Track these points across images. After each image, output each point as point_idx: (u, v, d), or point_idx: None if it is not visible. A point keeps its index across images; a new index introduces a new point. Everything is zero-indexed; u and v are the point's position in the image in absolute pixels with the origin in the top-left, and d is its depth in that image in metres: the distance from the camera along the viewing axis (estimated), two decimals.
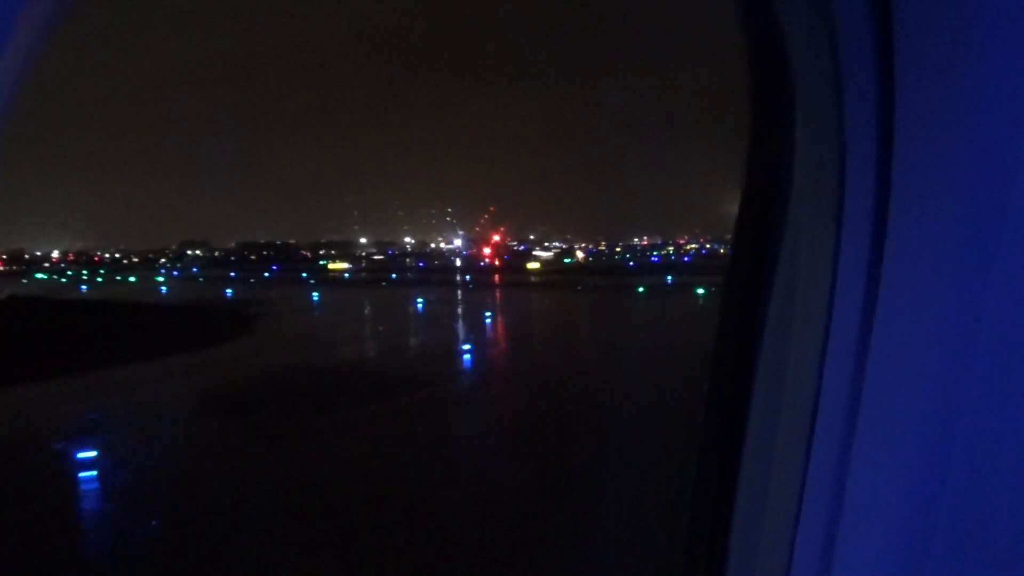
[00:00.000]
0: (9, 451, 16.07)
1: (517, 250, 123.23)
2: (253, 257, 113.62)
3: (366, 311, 46.77)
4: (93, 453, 16.24)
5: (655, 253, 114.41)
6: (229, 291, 62.00)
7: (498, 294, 57.41)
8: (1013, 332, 1.06)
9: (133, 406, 21.65)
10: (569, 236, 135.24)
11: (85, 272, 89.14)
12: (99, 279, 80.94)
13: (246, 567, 10.87)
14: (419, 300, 52.70)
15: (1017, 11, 1.01)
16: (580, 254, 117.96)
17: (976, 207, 1.07)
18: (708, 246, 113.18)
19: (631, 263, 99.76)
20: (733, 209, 1.59)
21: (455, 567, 11.08)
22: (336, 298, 57.36)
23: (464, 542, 11.75)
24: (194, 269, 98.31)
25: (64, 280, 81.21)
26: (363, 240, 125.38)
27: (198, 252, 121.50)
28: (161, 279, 78.26)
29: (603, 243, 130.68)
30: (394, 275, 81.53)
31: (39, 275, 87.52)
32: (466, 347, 31.36)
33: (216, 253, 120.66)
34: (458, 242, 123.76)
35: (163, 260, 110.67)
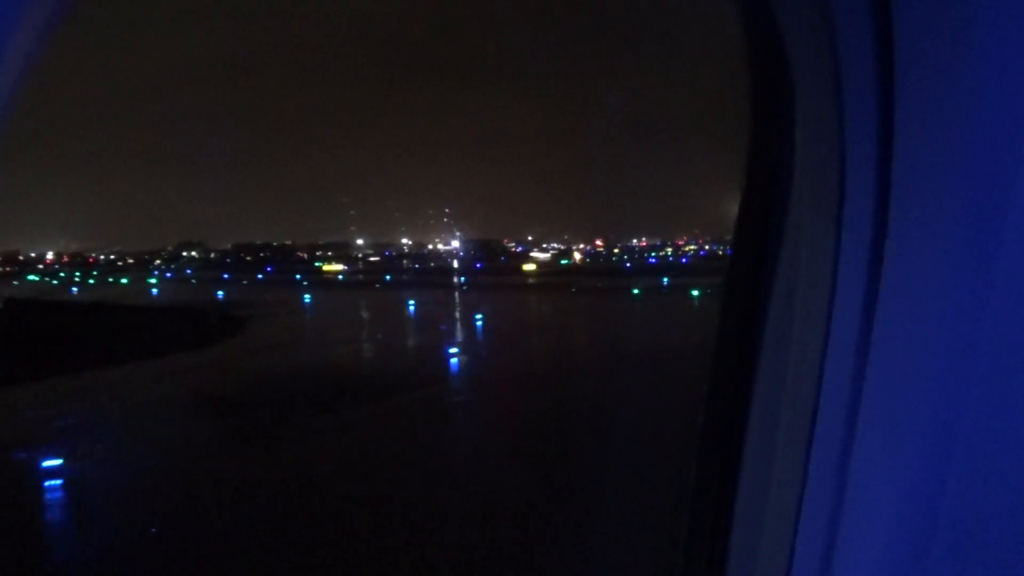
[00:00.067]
0: None
1: (515, 251, 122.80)
2: (249, 258, 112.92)
3: (354, 314, 46.41)
4: (58, 461, 15.76)
5: (653, 254, 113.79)
6: (220, 293, 61.49)
7: (490, 296, 56.90)
8: (1013, 332, 1.05)
9: (103, 411, 21.18)
10: (567, 237, 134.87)
11: (79, 274, 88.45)
12: (91, 280, 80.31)
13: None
14: (410, 302, 52.30)
15: (1017, 11, 1.01)
16: (578, 255, 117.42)
17: (976, 207, 1.06)
18: (707, 247, 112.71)
19: (628, 264, 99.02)
20: (733, 210, 1.60)
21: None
22: (326, 301, 57.05)
23: (447, 551, 11.40)
24: (188, 271, 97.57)
25: (55, 282, 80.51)
26: (360, 241, 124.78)
27: (194, 253, 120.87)
28: (153, 281, 77.52)
29: (602, 244, 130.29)
30: (388, 277, 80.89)
31: (31, 277, 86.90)
32: (452, 351, 30.86)
33: (212, 254, 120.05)
34: (456, 243, 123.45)
35: (158, 261, 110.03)
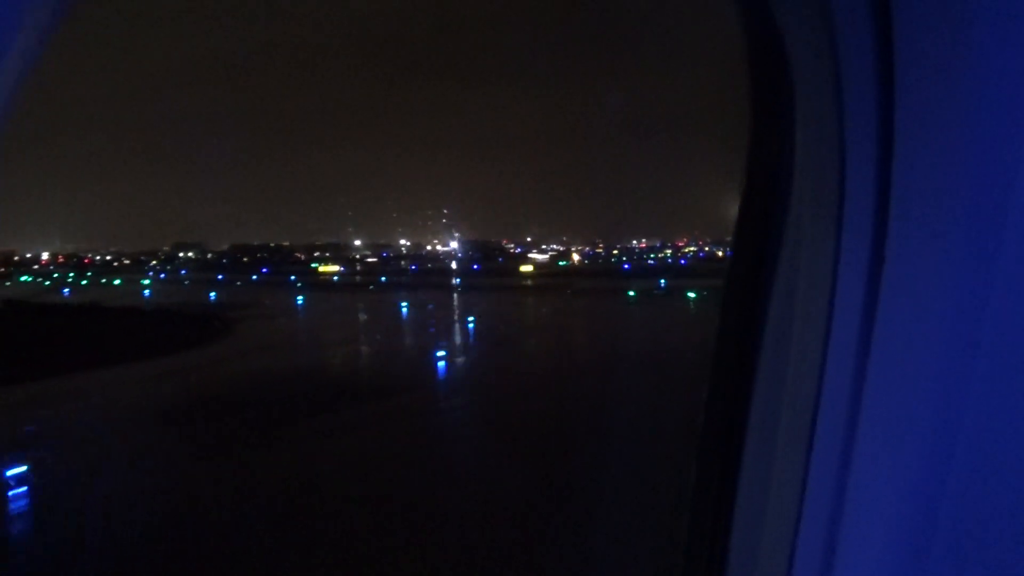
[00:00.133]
0: None
1: (514, 252, 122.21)
2: (246, 259, 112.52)
3: (343, 317, 45.85)
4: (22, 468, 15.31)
5: (652, 256, 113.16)
6: (212, 295, 60.96)
7: (483, 299, 56.36)
8: (1014, 332, 1.06)
9: (65, 419, 20.56)
10: (565, 238, 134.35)
11: (72, 274, 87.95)
12: (84, 282, 79.74)
13: None
14: (400, 304, 51.83)
15: (1017, 11, 1.01)
16: (576, 256, 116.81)
17: (976, 207, 1.07)
18: (707, 248, 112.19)
19: (626, 266, 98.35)
20: (733, 210, 1.59)
21: None
22: (317, 303, 56.49)
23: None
24: (182, 272, 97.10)
25: (47, 283, 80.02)
26: (358, 242, 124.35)
27: (191, 254, 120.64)
28: (146, 282, 76.98)
29: (601, 245, 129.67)
30: (383, 278, 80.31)
31: (24, 278, 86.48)
32: (438, 354, 30.26)
33: (209, 255, 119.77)
34: (454, 244, 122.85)
35: (154, 262, 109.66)
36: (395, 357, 31.04)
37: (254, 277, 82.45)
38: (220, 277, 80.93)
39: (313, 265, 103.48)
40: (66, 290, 70.57)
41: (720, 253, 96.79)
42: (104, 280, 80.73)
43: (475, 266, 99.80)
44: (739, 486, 1.53)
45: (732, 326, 1.59)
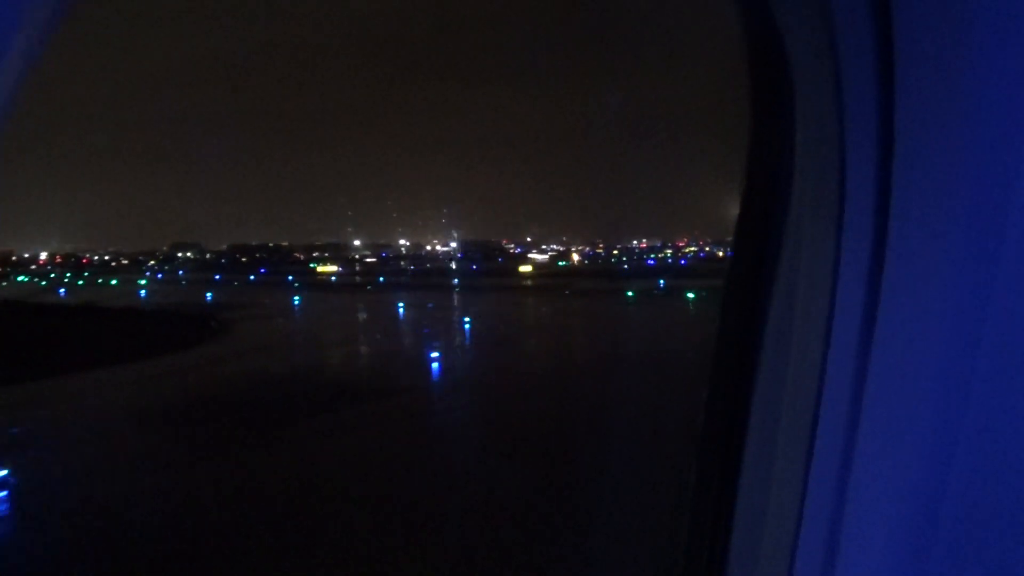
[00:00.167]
0: None
1: (514, 252, 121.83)
2: (244, 260, 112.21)
3: (338, 318, 45.59)
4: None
5: (652, 256, 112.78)
6: (207, 295, 60.62)
7: (480, 299, 56.07)
8: (1015, 333, 1.06)
9: (50, 421, 20.21)
10: (565, 238, 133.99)
11: (69, 274, 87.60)
12: (80, 282, 79.38)
13: None
14: (395, 305, 51.50)
15: (1018, 10, 1.01)
16: (576, 257, 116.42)
17: (978, 208, 1.07)
18: (707, 249, 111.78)
19: (626, 266, 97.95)
20: (733, 211, 1.59)
21: None
22: (313, 304, 56.19)
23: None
24: (180, 272, 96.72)
25: (44, 283, 79.66)
26: (357, 242, 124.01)
27: (189, 254, 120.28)
28: (143, 282, 76.60)
29: (601, 245, 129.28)
30: (381, 279, 79.94)
31: (21, 278, 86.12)
32: (432, 355, 29.95)
33: (208, 255, 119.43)
34: (454, 244, 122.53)
35: (152, 262, 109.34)
36: (384, 358, 30.71)
37: (251, 277, 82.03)
38: (217, 277, 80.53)
39: (312, 265, 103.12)
40: (62, 290, 70.24)
41: (720, 253, 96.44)
42: (101, 280, 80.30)
43: (474, 266, 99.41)
44: (739, 487, 1.53)
45: (732, 326, 1.58)
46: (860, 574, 1.24)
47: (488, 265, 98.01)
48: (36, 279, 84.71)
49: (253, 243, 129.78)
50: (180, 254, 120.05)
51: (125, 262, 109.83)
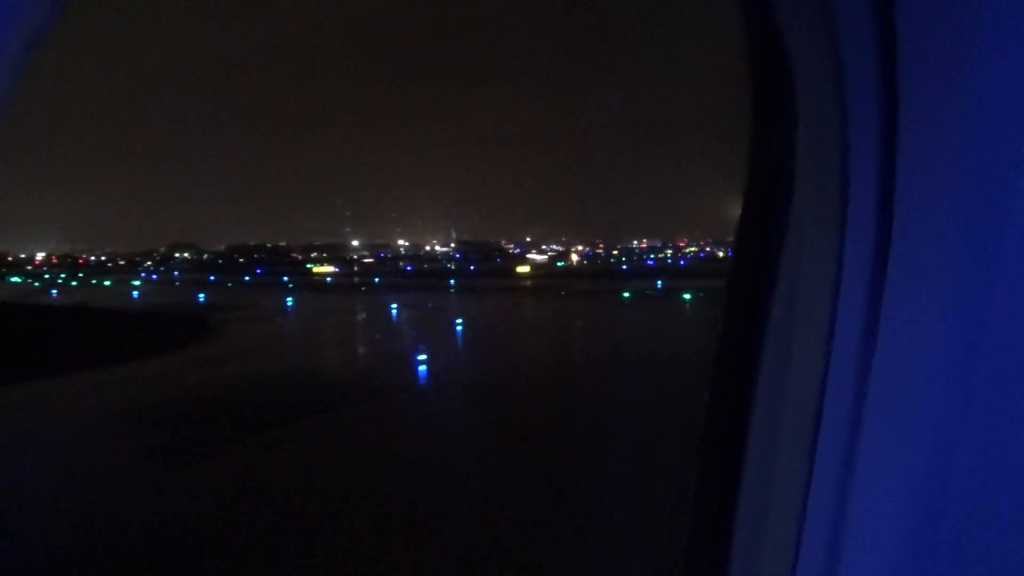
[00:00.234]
0: None
1: (513, 253, 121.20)
2: (242, 260, 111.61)
3: (328, 319, 45.15)
4: None
5: (651, 256, 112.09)
6: (200, 296, 60.08)
7: (475, 300, 55.52)
8: (1017, 333, 1.06)
9: (19, 427, 19.62)
10: (564, 239, 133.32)
11: (64, 275, 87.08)
12: (74, 283, 78.83)
13: None
14: (389, 306, 51.03)
15: (1020, 10, 1.01)
16: (575, 257, 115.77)
17: (980, 208, 1.06)
18: (707, 249, 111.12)
19: (624, 267, 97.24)
20: (735, 211, 1.59)
21: None
22: (306, 305, 55.74)
23: None
24: (175, 272, 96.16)
25: (37, 284, 79.14)
26: (355, 243, 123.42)
27: (187, 255, 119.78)
28: (137, 283, 76.03)
29: (601, 245, 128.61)
30: (376, 279, 79.35)
31: (14, 279, 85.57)
32: (421, 357, 29.43)
33: (205, 256, 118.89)
34: (453, 245, 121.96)
35: (149, 263, 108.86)
36: (365, 361, 30.40)
37: (246, 278, 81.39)
38: (212, 278, 79.96)
39: (308, 266, 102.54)
40: (54, 291, 69.71)
41: (720, 254, 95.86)
42: (95, 281, 79.76)
43: (471, 267, 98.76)
44: (741, 488, 1.51)
45: (734, 327, 1.57)
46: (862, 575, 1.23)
47: (486, 266, 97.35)
48: (30, 280, 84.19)
49: (251, 243, 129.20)
50: (177, 255, 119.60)
51: (122, 263, 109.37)
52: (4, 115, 0.81)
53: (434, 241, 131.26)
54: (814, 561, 1.33)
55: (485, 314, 46.01)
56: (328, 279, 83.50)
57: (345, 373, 27.53)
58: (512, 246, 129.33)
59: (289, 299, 58.65)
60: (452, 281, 72.78)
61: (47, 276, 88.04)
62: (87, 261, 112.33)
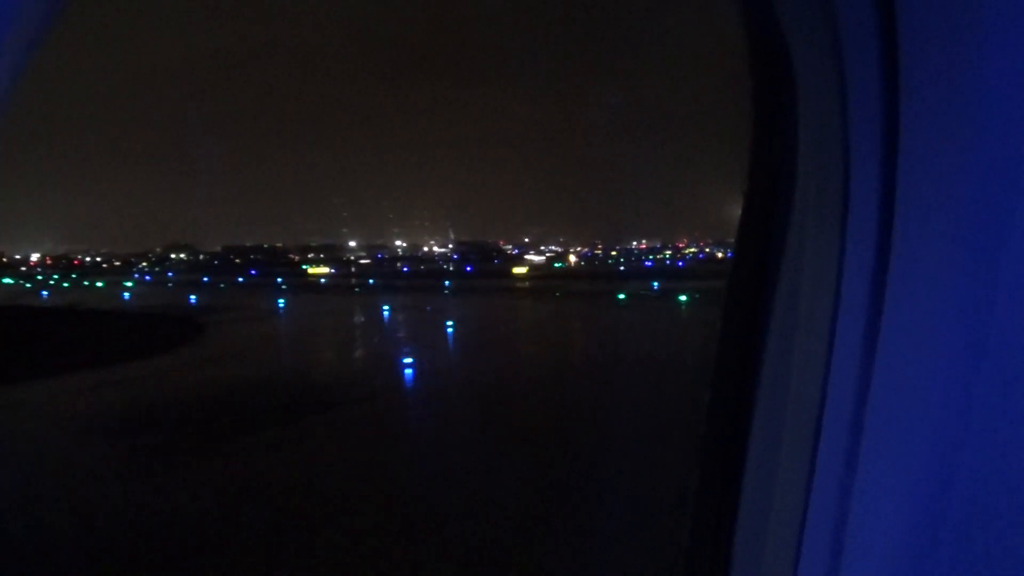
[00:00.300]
0: None
1: (511, 253, 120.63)
2: (238, 261, 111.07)
3: (317, 321, 44.57)
4: None
5: (650, 257, 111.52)
6: (192, 297, 59.51)
7: (468, 301, 54.91)
8: (1020, 336, 1.06)
9: None
10: (562, 239, 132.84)
11: (57, 276, 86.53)
12: (66, 284, 78.24)
13: None
14: (380, 307, 50.44)
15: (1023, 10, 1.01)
16: (573, 258, 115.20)
17: (983, 209, 1.06)
18: (707, 250, 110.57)
19: (622, 268, 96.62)
20: (735, 211, 1.59)
21: None
22: (297, 306, 55.14)
23: None
24: (169, 273, 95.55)
25: (29, 285, 78.55)
26: (353, 243, 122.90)
27: (183, 256, 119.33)
28: (129, 284, 75.41)
29: (600, 246, 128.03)
30: (371, 280, 78.74)
31: (6, 280, 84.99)
32: (407, 360, 28.92)
33: (201, 256, 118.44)
34: (451, 245, 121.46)
35: (144, 264, 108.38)
36: (353, 364, 29.82)
37: (240, 279, 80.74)
38: (205, 279, 79.35)
39: (304, 267, 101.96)
40: (45, 293, 69.11)
41: (720, 254, 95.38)
42: (87, 282, 79.15)
43: (468, 268, 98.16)
44: (743, 489, 1.51)
45: (735, 328, 1.57)
46: None
47: (483, 266, 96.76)
48: (22, 281, 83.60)
49: (248, 244, 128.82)
50: (173, 255, 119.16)
51: (117, 263, 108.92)
52: (4, 115, 0.80)
53: (432, 242, 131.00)
54: (815, 562, 1.32)
55: (474, 316, 45.44)
56: (322, 280, 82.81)
57: (325, 377, 26.92)
58: (510, 247, 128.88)
59: (280, 300, 58.08)
60: (446, 282, 72.09)
61: (40, 277, 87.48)
62: (82, 262, 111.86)
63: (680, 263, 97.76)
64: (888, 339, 1.20)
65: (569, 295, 55.16)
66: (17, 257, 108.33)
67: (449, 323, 41.37)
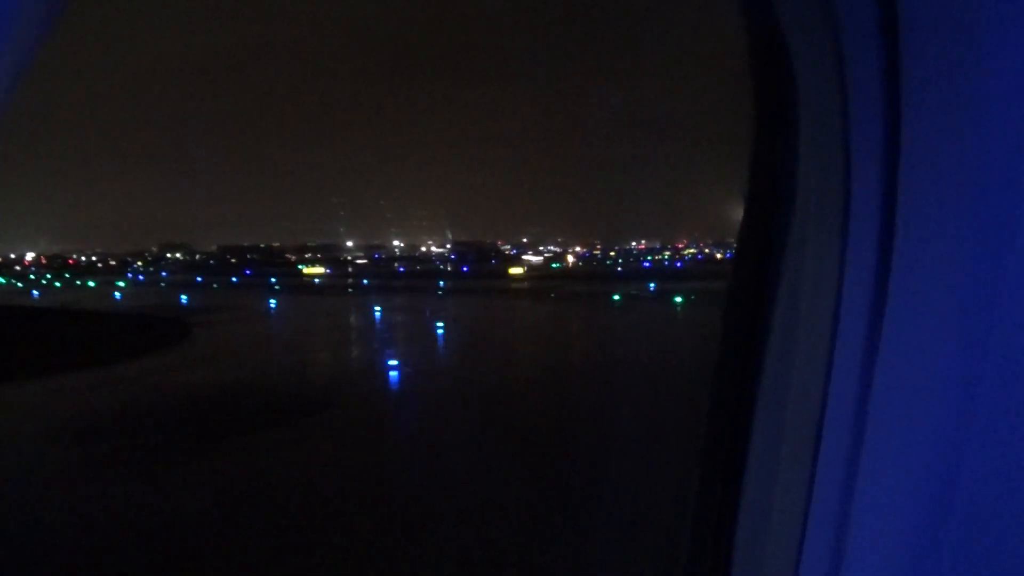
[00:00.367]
0: None
1: (509, 254, 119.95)
2: (234, 260, 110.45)
3: (307, 322, 44.20)
4: None
5: (648, 258, 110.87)
6: (183, 298, 58.95)
7: (461, 302, 54.44)
8: (1022, 338, 1.06)
9: None
10: (560, 239, 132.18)
11: (49, 276, 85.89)
12: (58, 284, 77.63)
13: None
14: (375, 308, 50.09)
15: None
16: (571, 258, 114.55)
17: (985, 209, 1.06)
18: (706, 251, 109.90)
19: (619, 268, 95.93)
20: (735, 212, 1.59)
21: None
22: (288, 307, 54.69)
23: None
24: (163, 273, 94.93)
25: (20, 284, 77.94)
26: (350, 243, 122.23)
27: (179, 255, 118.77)
28: (121, 284, 74.79)
29: (599, 247, 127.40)
30: (365, 280, 78.15)
31: None
32: (397, 363, 28.50)
33: (197, 256, 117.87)
34: (449, 246, 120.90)
35: (139, 263, 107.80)
36: (337, 367, 29.34)
37: (234, 279, 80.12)
38: (198, 280, 78.71)
39: (300, 267, 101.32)
40: (35, 292, 68.50)
41: (719, 255, 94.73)
42: (79, 282, 78.55)
43: (465, 268, 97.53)
44: (743, 492, 1.50)
45: (736, 329, 1.57)
46: None
47: (480, 267, 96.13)
48: (14, 280, 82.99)
49: (244, 244, 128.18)
50: (169, 255, 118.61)
51: (112, 263, 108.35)
52: (4, 115, 0.80)
53: (430, 242, 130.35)
54: (816, 564, 1.32)
55: (461, 318, 44.88)
56: (316, 280, 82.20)
57: (300, 382, 26.33)
58: (509, 247, 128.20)
59: (271, 301, 57.54)
60: (441, 283, 71.48)
61: (32, 276, 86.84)
62: (77, 261, 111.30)
63: (678, 264, 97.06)
64: (889, 340, 1.19)
65: (562, 297, 54.55)
66: (12, 256, 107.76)
67: (435, 325, 40.87)
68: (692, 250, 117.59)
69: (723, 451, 1.54)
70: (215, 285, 73.22)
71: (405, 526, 11.96)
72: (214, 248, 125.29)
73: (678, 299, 47.01)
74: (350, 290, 68.87)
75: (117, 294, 65.59)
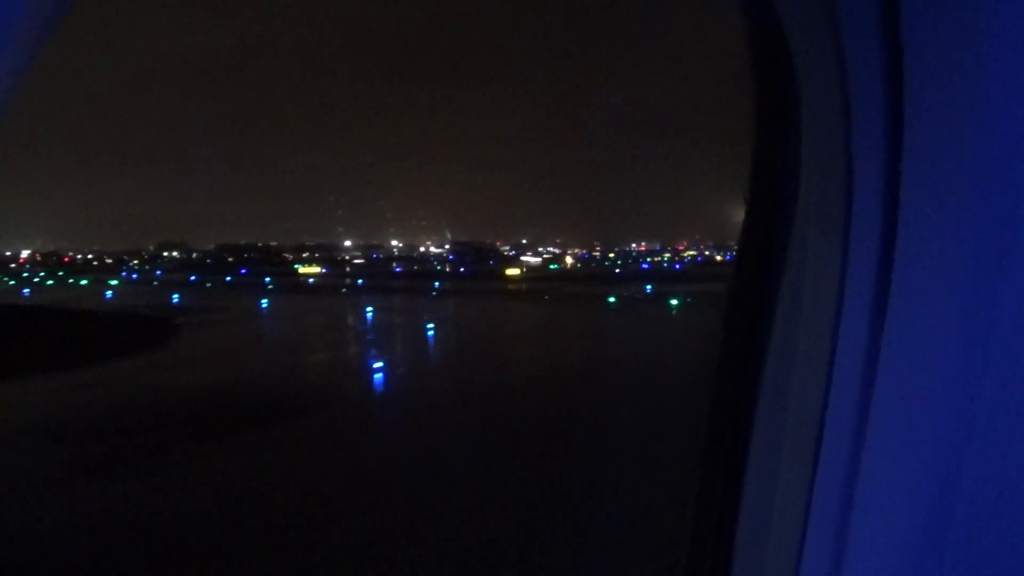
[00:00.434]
0: None
1: (508, 254, 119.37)
2: (231, 259, 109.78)
3: (297, 323, 43.85)
4: None
5: (648, 259, 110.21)
6: (175, 297, 58.46)
7: (455, 304, 53.99)
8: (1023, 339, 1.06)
9: None
10: (560, 240, 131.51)
11: (43, 273, 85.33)
12: (50, 282, 77.07)
13: None
14: (367, 308, 49.61)
15: None
16: (569, 260, 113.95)
17: (987, 210, 1.06)
18: (706, 252, 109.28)
19: (618, 270, 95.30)
20: (736, 213, 1.59)
21: None
22: (281, 307, 54.27)
23: None
24: (158, 272, 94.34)
25: (13, 282, 77.41)
26: (348, 243, 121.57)
27: (175, 254, 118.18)
28: (114, 283, 74.21)
29: (598, 248, 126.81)
30: (360, 280, 77.59)
31: None
32: (377, 365, 28.05)
33: (194, 255, 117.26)
34: (447, 246, 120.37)
35: (136, 262, 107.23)
36: (325, 369, 29.05)
37: (228, 279, 79.54)
38: (193, 278, 78.14)
39: (296, 266, 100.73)
40: (26, 290, 67.95)
41: (719, 257, 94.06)
42: (72, 280, 77.98)
43: (462, 269, 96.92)
44: (743, 494, 1.49)
45: (737, 331, 1.56)
46: None
47: (478, 267, 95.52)
48: (6, 278, 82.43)
49: (241, 243, 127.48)
50: (166, 253, 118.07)
51: (109, 261, 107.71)
52: (4, 115, 0.80)
53: (428, 242, 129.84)
54: (817, 564, 1.31)
55: (453, 320, 44.62)
56: (311, 280, 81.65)
57: (282, 385, 25.84)
58: (507, 248, 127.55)
59: (263, 301, 57.00)
60: (436, 284, 70.89)
61: (26, 274, 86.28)
62: (73, 259, 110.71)
63: (677, 266, 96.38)
64: (891, 342, 1.18)
65: (556, 299, 54.06)
66: (7, 254, 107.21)
67: (425, 327, 40.54)
68: (692, 252, 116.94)
69: (724, 451, 1.53)
70: (208, 284, 72.71)
71: (379, 533, 11.39)
72: (212, 247, 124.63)
73: (674, 301, 46.52)
74: (344, 290, 68.40)
75: (108, 293, 65.04)
